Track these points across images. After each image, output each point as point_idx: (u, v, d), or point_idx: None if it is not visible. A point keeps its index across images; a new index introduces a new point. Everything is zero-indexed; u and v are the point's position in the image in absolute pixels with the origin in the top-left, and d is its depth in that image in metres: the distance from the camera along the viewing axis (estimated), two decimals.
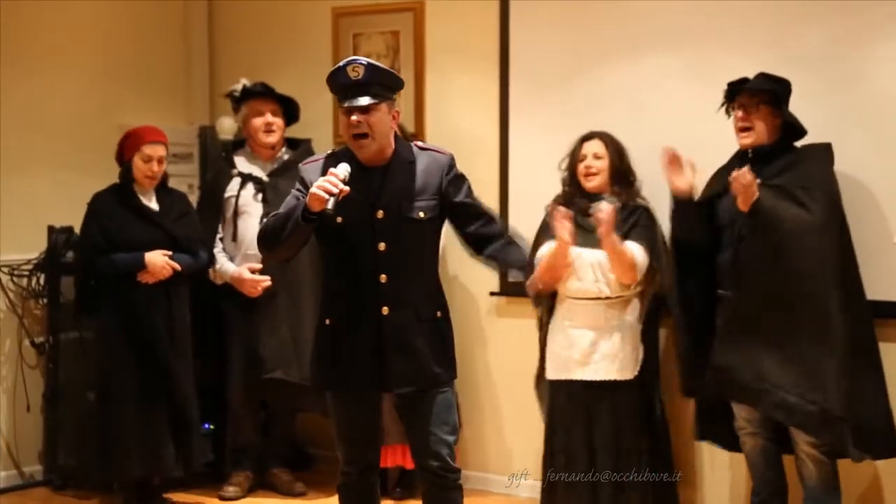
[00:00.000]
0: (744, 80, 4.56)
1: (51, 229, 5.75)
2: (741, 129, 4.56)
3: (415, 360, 3.89)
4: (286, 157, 5.69)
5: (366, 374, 3.88)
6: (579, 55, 5.39)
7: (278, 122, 5.62)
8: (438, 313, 3.97)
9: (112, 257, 5.20)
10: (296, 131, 6.00)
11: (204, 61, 6.54)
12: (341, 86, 3.82)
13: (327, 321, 3.94)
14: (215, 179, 5.74)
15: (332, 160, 3.90)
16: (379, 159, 3.87)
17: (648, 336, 4.90)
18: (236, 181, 5.60)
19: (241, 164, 5.66)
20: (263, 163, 5.65)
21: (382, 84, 3.83)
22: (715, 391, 4.56)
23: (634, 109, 5.22)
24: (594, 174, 4.87)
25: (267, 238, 3.84)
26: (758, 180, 4.45)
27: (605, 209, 4.61)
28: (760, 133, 4.53)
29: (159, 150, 5.27)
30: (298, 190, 3.89)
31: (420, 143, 4.07)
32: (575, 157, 4.93)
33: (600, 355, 4.82)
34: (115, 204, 5.28)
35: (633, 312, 4.87)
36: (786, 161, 4.51)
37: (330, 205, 3.64)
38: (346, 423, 4.01)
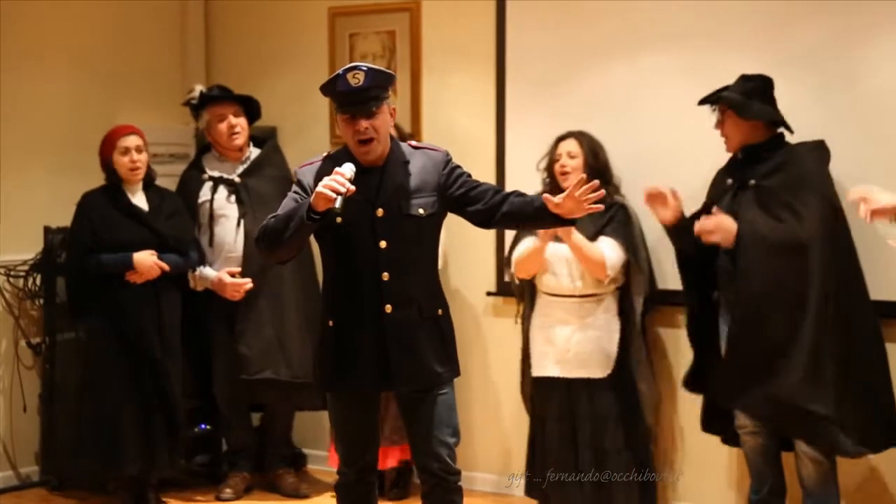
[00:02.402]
0: (723, 89, 4.61)
1: (47, 230, 5.74)
2: (722, 137, 4.64)
3: (418, 359, 3.90)
4: (254, 155, 5.70)
5: (370, 373, 3.89)
6: (576, 55, 5.39)
7: (242, 122, 5.61)
8: (440, 311, 3.99)
9: (100, 257, 5.21)
10: (294, 131, 6.00)
11: (200, 61, 6.53)
12: (342, 93, 3.82)
13: (330, 323, 3.94)
14: (186, 185, 5.67)
15: (329, 162, 3.91)
16: (377, 159, 3.89)
17: (626, 334, 4.93)
18: (208, 186, 5.59)
19: (211, 167, 5.64)
20: (232, 164, 5.64)
21: (381, 86, 3.86)
22: (718, 399, 4.61)
23: (631, 109, 5.23)
24: (568, 173, 4.92)
25: (267, 239, 3.82)
26: (751, 182, 4.47)
27: None
28: (733, 139, 4.59)
29: (134, 140, 5.29)
30: (296, 192, 3.91)
31: (413, 143, 4.09)
32: (552, 157, 5.00)
33: (575, 353, 4.88)
34: (104, 203, 5.29)
35: (609, 309, 4.92)
36: (778, 160, 4.52)
37: (338, 203, 3.65)
38: (346, 424, 4.01)
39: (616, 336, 4.92)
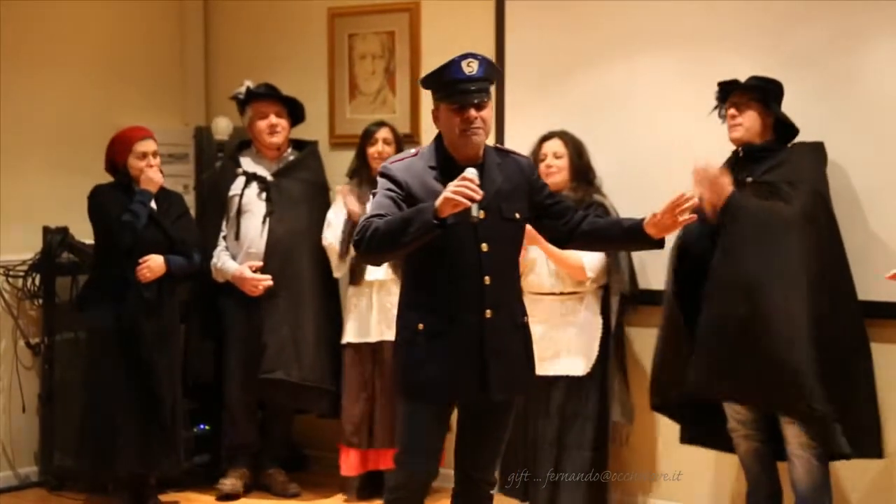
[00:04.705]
0: (734, 82, 4.58)
1: (46, 230, 5.74)
2: (731, 125, 4.58)
3: (512, 366, 3.84)
4: (291, 157, 5.73)
5: (470, 381, 3.77)
6: (575, 55, 5.39)
7: (282, 122, 5.64)
8: (525, 318, 3.94)
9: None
10: (292, 131, 6.00)
11: (199, 62, 6.54)
12: (452, 80, 3.73)
13: (420, 326, 3.79)
14: (220, 177, 5.74)
15: (420, 160, 3.83)
16: (474, 159, 3.81)
17: (608, 333, 4.92)
18: (240, 180, 5.63)
19: (247, 163, 5.68)
20: (269, 163, 5.68)
21: (490, 79, 3.80)
22: (700, 397, 4.54)
23: (630, 109, 5.23)
24: (554, 172, 4.92)
25: (379, 241, 3.62)
26: (749, 178, 4.46)
27: None
28: (750, 128, 4.55)
29: (151, 145, 5.29)
30: (391, 190, 3.76)
31: (499, 146, 4.01)
32: (535, 157, 4.98)
33: (553, 351, 4.86)
34: (118, 199, 5.24)
35: (590, 308, 4.91)
36: (776, 160, 4.52)
37: (475, 211, 3.59)
38: (424, 434, 3.85)
39: (598, 334, 4.90)
